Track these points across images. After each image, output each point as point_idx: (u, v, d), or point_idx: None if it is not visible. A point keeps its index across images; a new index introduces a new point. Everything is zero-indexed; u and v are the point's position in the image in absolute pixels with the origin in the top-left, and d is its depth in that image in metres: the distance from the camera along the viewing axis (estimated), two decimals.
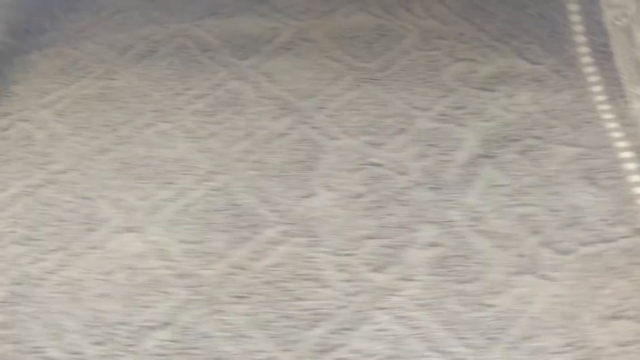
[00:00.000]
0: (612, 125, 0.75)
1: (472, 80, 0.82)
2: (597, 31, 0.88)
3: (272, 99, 0.78)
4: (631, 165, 0.70)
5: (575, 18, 0.91)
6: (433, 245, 0.61)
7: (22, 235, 0.63)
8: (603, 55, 0.85)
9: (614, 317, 0.55)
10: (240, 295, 0.57)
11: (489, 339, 0.55)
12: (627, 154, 0.72)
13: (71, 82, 0.79)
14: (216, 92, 0.79)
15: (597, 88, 0.80)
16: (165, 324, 0.55)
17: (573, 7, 0.93)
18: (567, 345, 0.54)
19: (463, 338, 0.55)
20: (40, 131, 0.72)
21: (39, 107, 0.75)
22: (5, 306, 0.56)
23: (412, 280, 0.58)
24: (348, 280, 0.58)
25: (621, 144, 0.73)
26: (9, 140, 0.72)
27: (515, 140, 0.74)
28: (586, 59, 0.85)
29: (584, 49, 0.87)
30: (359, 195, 0.66)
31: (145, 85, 0.79)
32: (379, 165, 0.70)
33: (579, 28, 0.91)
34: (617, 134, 0.74)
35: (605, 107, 0.78)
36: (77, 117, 0.74)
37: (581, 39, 0.90)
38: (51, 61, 0.82)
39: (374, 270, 0.59)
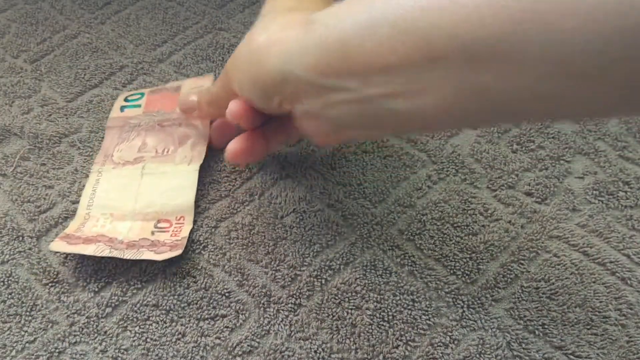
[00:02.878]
0: None
1: None
2: None
3: None
4: None
5: None
6: (589, 173, 0.62)
7: None
8: None
9: None
10: (412, 231, 0.58)
11: None
12: None
13: (176, 33, 0.77)
14: None
15: None
16: (346, 264, 0.56)
17: None
18: None
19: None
20: (166, 84, 0.70)
21: (154, 60, 0.73)
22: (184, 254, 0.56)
23: (576, 210, 0.60)
24: (515, 213, 0.59)
25: None
26: None
27: None
28: None
29: None
30: (505, 131, 0.66)
31: None
32: None
33: None
34: None
35: None
36: (199, 68, 0.72)
37: None
38: (150, 14, 0.80)
39: (539, 202, 0.60)
